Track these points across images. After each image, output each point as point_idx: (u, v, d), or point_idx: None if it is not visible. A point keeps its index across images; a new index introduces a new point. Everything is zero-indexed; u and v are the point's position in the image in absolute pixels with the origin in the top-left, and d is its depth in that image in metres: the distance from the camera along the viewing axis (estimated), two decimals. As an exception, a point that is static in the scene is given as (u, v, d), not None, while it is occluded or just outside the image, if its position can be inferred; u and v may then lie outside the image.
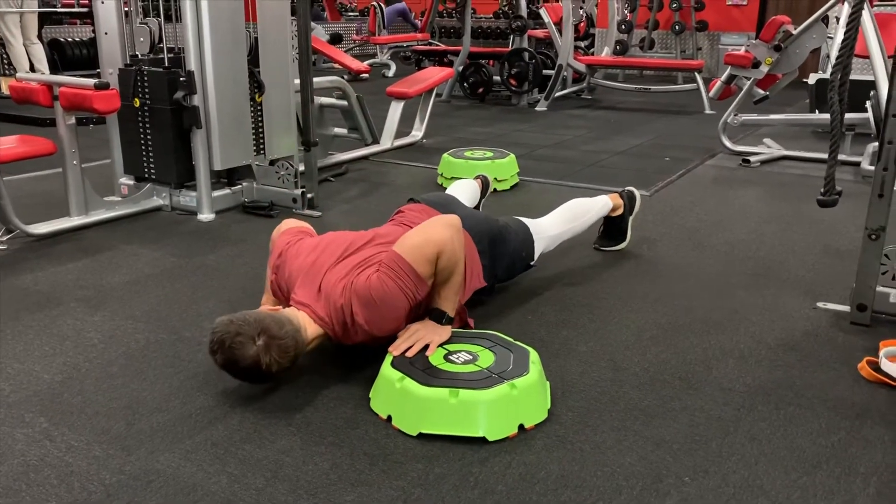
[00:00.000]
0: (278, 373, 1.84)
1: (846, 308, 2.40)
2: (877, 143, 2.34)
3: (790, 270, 2.84)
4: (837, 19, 5.29)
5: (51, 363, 2.08)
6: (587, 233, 2.97)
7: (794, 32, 4.68)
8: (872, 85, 4.29)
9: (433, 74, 5.55)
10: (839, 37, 4.99)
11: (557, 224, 2.71)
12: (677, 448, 1.70)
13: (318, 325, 1.96)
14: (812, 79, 5.70)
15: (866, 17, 4.15)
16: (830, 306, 2.47)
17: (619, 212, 2.95)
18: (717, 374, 2.04)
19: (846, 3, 4.57)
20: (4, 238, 3.04)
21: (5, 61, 7.81)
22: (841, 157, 4.53)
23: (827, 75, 5.38)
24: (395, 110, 5.13)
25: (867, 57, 4.23)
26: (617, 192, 2.98)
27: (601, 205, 2.89)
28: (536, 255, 2.57)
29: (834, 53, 5.18)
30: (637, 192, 3.02)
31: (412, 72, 6.40)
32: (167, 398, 1.89)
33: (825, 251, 3.05)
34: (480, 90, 7.55)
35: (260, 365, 1.79)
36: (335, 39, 10.90)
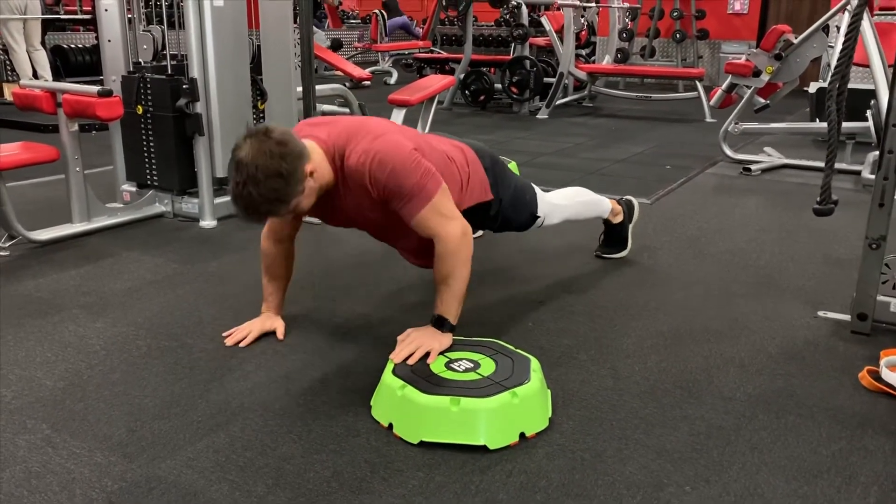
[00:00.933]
0: (286, 169, 1.79)
1: (847, 317, 2.40)
2: (877, 153, 2.35)
3: (791, 279, 2.84)
4: (838, 28, 5.30)
5: (53, 370, 2.08)
6: (588, 239, 2.98)
7: (795, 41, 4.69)
8: (873, 94, 4.30)
9: (435, 82, 5.55)
10: (839, 46, 5.01)
11: (558, 197, 2.71)
12: (678, 457, 1.70)
13: (319, 145, 1.95)
14: (813, 88, 5.71)
15: (866, 25, 4.16)
16: (831, 315, 2.48)
17: (620, 218, 2.95)
18: (718, 383, 2.04)
19: (847, 13, 4.59)
20: (7, 244, 3.05)
21: (9, 68, 7.85)
22: (842, 165, 4.57)
23: (827, 84, 5.40)
24: (397, 118, 5.13)
25: (867, 66, 4.24)
26: (615, 199, 2.98)
27: (602, 198, 2.88)
28: (540, 212, 2.52)
29: (834, 62, 5.19)
30: (635, 201, 3.03)
31: (414, 79, 6.42)
32: (169, 405, 1.90)
33: (826, 260, 3.05)
34: (482, 98, 7.57)
35: (264, 153, 1.77)
36: (335, 46, 10.93)
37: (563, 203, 2.68)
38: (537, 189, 2.56)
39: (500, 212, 2.37)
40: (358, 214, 2.10)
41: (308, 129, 2.04)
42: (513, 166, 4.15)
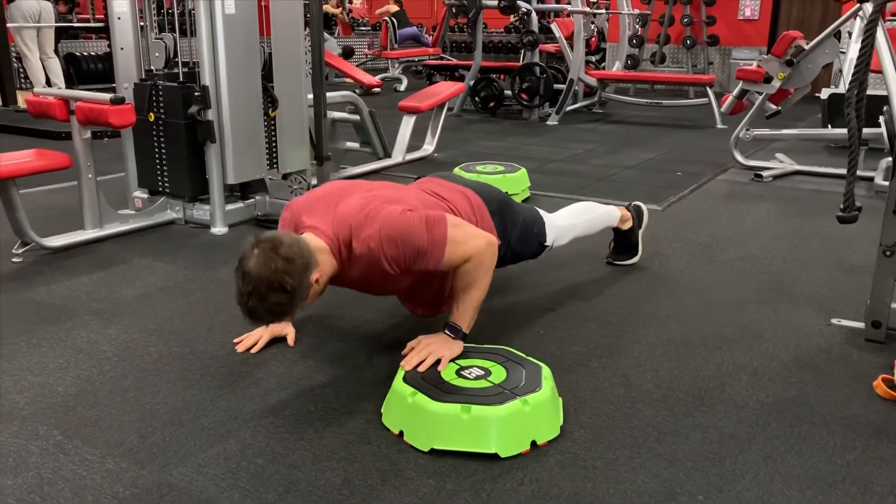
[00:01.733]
0: (291, 285, 1.80)
1: (861, 325, 2.38)
2: (891, 159, 2.34)
3: (803, 286, 2.82)
4: (850, 34, 5.28)
5: (65, 376, 2.09)
6: (599, 245, 2.96)
7: (807, 47, 4.67)
8: (886, 100, 4.27)
9: (445, 89, 5.58)
10: (852, 52, 4.99)
11: (566, 217, 2.70)
12: (690, 466, 1.69)
13: (323, 241, 1.96)
14: (824, 93, 5.68)
15: (879, 32, 4.14)
16: (845, 323, 2.46)
17: (629, 224, 2.94)
18: (731, 391, 2.03)
19: (859, 19, 4.57)
20: (20, 251, 3.07)
21: (22, 75, 7.93)
22: (854, 172, 4.54)
23: (839, 90, 5.37)
24: (407, 124, 5.16)
25: (880, 72, 4.22)
26: (623, 206, 2.98)
27: (610, 209, 2.89)
28: (549, 240, 2.52)
29: (847, 68, 5.17)
30: (644, 206, 3.02)
31: (424, 86, 6.44)
32: (180, 412, 1.90)
33: (839, 267, 3.03)
34: (492, 104, 7.57)
35: (270, 269, 1.78)
36: (347, 53, 10.98)
37: (570, 223, 2.68)
38: (544, 215, 2.56)
39: (509, 251, 2.39)
40: (364, 283, 2.13)
41: (307, 219, 2.04)
42: (523, 173, 4.18)
